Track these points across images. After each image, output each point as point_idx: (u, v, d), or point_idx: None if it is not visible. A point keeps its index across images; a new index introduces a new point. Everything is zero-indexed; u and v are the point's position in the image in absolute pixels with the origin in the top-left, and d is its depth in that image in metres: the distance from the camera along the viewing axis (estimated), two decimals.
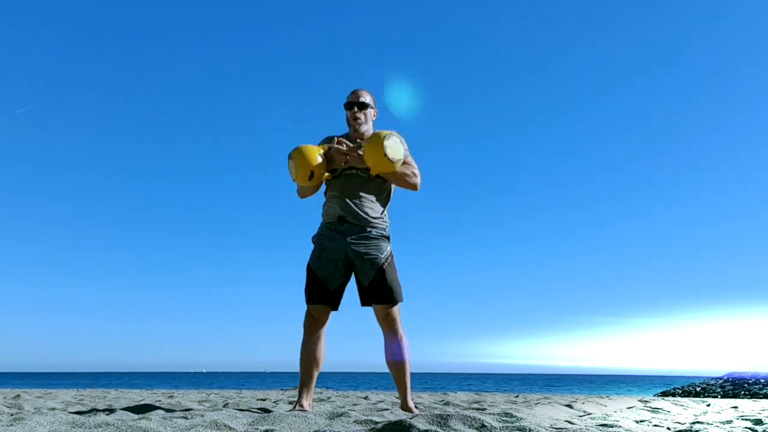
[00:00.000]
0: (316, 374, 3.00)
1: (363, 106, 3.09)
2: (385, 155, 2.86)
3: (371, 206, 3.00)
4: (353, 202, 2.97)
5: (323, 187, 3.14)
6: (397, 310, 2.97)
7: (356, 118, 3.08)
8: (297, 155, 2.97)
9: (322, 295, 2.96)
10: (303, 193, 3.12)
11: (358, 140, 3.04)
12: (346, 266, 2.98)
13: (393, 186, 3.12)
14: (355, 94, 3.11)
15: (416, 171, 3.05)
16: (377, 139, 2.89)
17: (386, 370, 3.06)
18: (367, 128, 3.11)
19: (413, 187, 3.05)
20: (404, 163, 3.00)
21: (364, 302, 3.00)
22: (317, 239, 3.05)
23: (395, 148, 2.91)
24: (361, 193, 3.00)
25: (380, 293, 2.93)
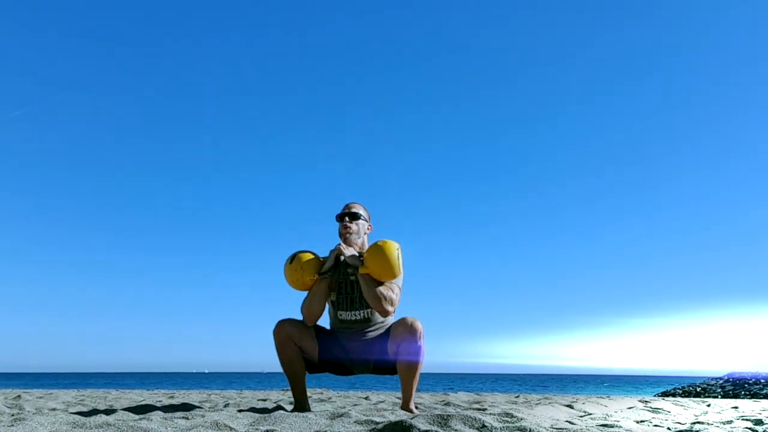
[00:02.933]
0: (303, 376, 3.02)
1: (355, 217, 3.02)
2: (392, 267, 2.82)
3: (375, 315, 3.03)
4: (356, 349, 3.03)
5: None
6: (419, 323, 2.90)
7: (347, 227, 2.99)
8: (288, 262, 2.96)
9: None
10: (309, 313, 2.97)
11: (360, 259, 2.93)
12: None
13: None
14: (347, 206, 3.05)
15: (396, 298, 2.92)
16: (392, 248, 2.83)
17: None
18: (360, 241, 3.04)
19: (383, 312, 2.91)
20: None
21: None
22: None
23: (399, 264, 2.86)
24: (366, 336, 3.02)
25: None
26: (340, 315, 3.01)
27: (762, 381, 12.86)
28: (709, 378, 15.97)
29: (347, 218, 3.01)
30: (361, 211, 3.06)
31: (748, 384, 12.94)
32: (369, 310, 2.98)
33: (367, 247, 3.03)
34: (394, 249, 2.85)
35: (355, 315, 2.99)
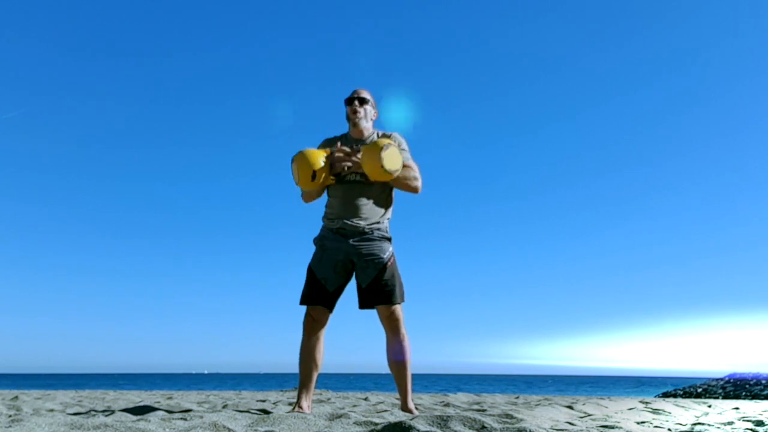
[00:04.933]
0: (315, 375, 3.00)
1: (363, 102, 3.12)
2: (382, 166, 2.84)
3: (373, 210, 3.00)
4: (355, 207, 2.97)
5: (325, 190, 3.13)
6: (400, 310, 2.97)
7: (356, 112, 3.08)
8: (299, 159, 2.94)
9: (320, 297, 2.96)
10: (308, 197, 3.11)
11: (356, 146, 3.02)
12: (345, 268, 2.97)
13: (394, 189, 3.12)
14: (355, 91, 3.15)
15: (417, 174, 3.04)
16: (374, 149, 2.86)
17: (386, 371, 3.05)
18: (367, 125, 3.12)
19: (414, 190, 3.05)
20: (405, 166, 2.99)
21: (364, 304, 2.98)
22: (319, 241, 3.05)
23: (392, 158, 2.87)
24: (363, 198, 2.99)
25: (381, 294, 2.93)
26: (341, 174, 3.03)
27: (763, 381, 12.85)
28: (709, 378, 15.94)
29: (356, 102, 3.10)
30: (369, 97, 3.14)
31: (749, 385, 12.93)
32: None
33: (372, 130, 3.16)
34: (378, 150, 2.84)
35: (355, 176, 3.01)
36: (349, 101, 3.12)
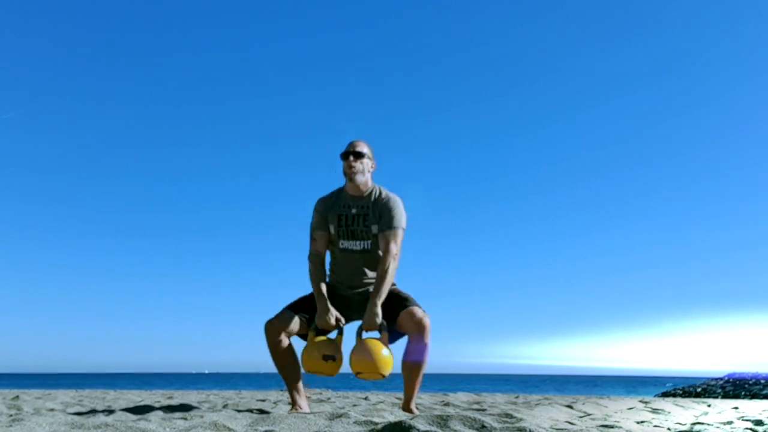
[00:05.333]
0: (298, 374, 3.03)
1: (359, 156, 3.00)
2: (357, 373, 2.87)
3: (374, 276, 3.03)
4: (360, 279, 3.04)
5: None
6: (429, 320, 2.91)
7: (351, 167, 2.98)
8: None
9: (305, 311, 3.00)
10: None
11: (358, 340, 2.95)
12: (343, 314, 3.01)
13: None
14: (351, 144, 3.03)
15: (396, 260, 2.96)
16: (353, 367, 2.86)
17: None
18: (364, 179, 3.03)
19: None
20: (388, 248, 2.95)
21: (393, 334, 2.99)
22: (328, 289, 3.08)
23: (369, 378, 2.88)
24: (366, 268, 3.05)
25: (398, 305, 2.94)
26: (342, 244, 3.05)
27: (762, 381, 12.85)
28: (709, 378, 15.94)
29: (352, 157, 3.00)
30: (365, 150, 3.04)
31: (749, 384, 12.93)
32: (369, 242, 3.03)
33: (370, 185, 3.08)
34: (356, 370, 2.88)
35: (357, 245, 3.03)
36: (345, 156, 3.01)
